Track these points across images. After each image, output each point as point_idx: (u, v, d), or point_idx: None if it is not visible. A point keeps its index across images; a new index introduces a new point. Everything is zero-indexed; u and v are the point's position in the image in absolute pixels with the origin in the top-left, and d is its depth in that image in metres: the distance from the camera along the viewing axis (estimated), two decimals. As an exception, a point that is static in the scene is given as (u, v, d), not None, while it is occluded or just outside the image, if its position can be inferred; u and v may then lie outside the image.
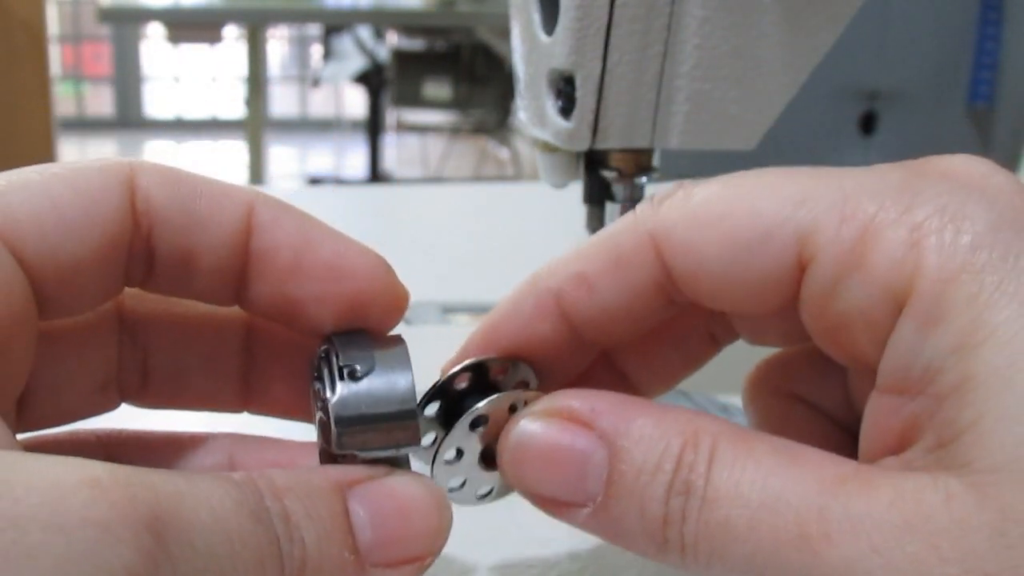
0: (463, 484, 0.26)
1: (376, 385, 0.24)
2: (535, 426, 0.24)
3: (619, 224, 0.25)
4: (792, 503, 0.21)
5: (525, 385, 0.26)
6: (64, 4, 5.27)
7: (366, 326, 0.26)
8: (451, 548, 0.32)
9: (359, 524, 0.23)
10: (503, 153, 4.29)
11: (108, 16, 2.80)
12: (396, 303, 0.26)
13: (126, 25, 2.89)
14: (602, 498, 0.23)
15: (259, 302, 0.26)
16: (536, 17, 0.39)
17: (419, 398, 0.25)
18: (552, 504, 0.24)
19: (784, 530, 0.21)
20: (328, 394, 0.24)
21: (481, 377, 0.26)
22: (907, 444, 0.22)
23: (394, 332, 0.26)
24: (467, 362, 0.26)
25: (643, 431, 0.23)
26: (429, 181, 4.09)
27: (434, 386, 0.25)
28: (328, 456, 0.25)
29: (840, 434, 0.28)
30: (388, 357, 0.25)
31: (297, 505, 0.22)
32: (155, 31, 5.25)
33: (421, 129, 4.77)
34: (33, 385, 0.25)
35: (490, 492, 0.27)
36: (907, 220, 0.22)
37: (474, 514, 0.34)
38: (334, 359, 0.24)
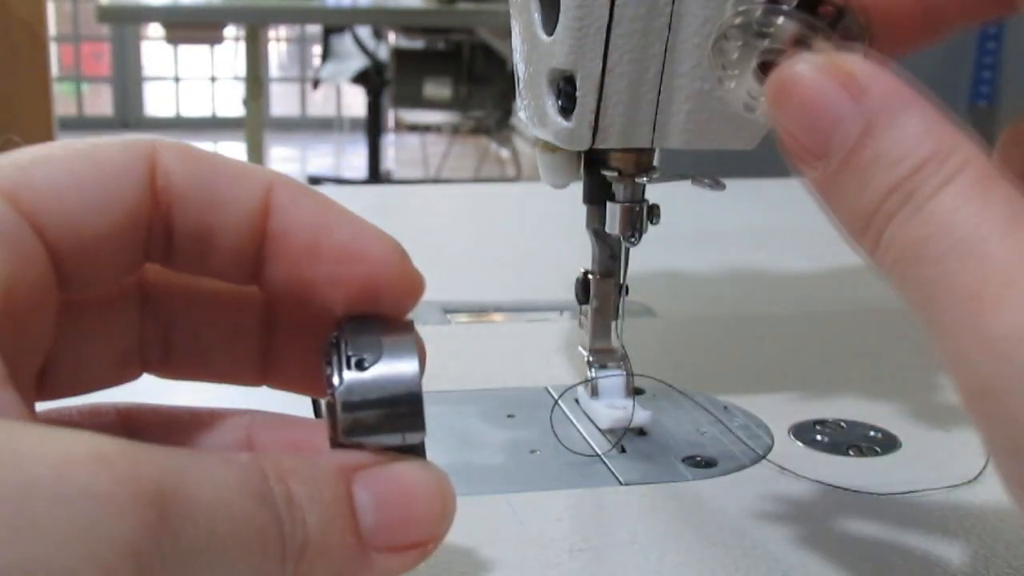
0: (735, 84, 0.27)
1: (382, 374, 0.24)
2: (808, 71, 0.23)
3: None
4: (989, 257, 0.21)
5: (851, 36, 0.26)
6: (64, 4, 5.27)
7: (379, 311, 0.26)
8: (451, 548, 0.32)
9: (362, 508, 0.23)
10: (503, 153, 4.29)
11: (108, 16, 2.80)
12: (410, 289, 0.26)
13: (126, 25, 2.89)
14: (836, 164, 0.23)
15: (275, 282, 0.26)
16: (536, 17, 0.39)
17: None
18: (795, 144, 0.24)
19: (967, 277, 0.21)
20: (335, 381, 0.24)
21: (808, 5, 0.25)
22: None
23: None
24: None
25: (903, 125, 0.22)
26: (429, 181, 4.09)
27: None
28: (336, 443, 0.25)
29: None
30: (396, 346, 0.25)
31: (301, 488, 0.22)
32: (155, 31, 5.24)
33: (421, 129, 4.77)
34: (55, 356, 0.26)
35: (753, 102, 0.27)
36: None
37: (474, 514, 0.34)
38: (343, 347, 0.24)
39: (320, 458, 0.23)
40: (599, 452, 0.40)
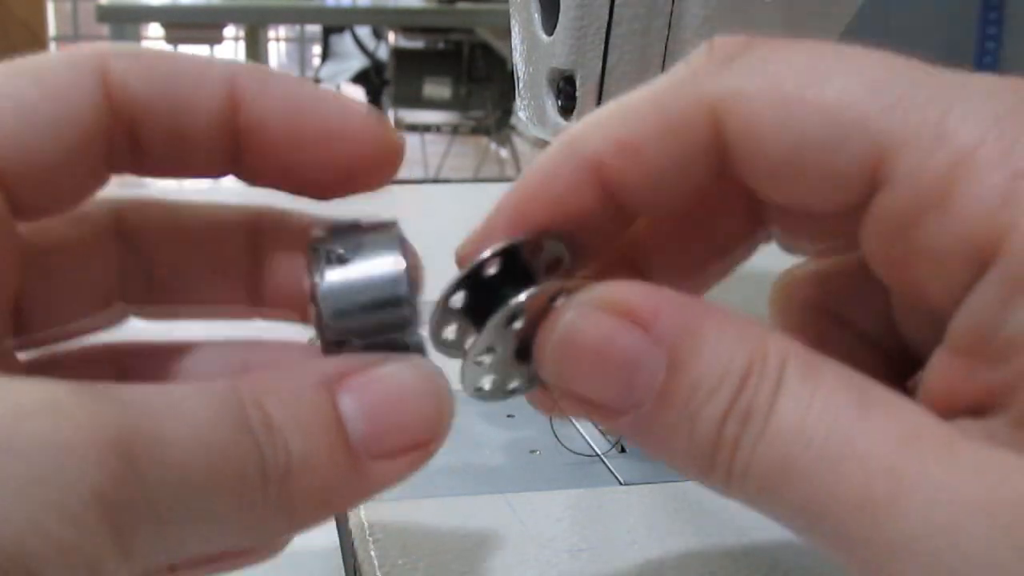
0: (493, 380, 0.24)
1: (364, 269, 0.23)
2: (586, 320, 0.21)
3: (671, 81, 0.22)
4: (860, 455, 0.18)
5: (558, 263, 0.24)
6: (64, 4, 5.27)
7: (363, 184, 0.25)
8: (451, 548, 0.32)
9: (351, 418, 0.22)
10: (503, 153, 4.29)
11: (107, 16, 2.79)
12: (394, 156, 0.25)
13: (125, 25, 2.89)
14: (650, 408, 0.20)
15: (256, 174, 0.25)
16: (536, 16, 0.39)
17: (444, 289, 0.23)
18: (592, 408, 0.21)
19: (847, 485, 0.18)
20: (316, 280, 0.23)
21: (511, 260, 0.24)
22: (985, 409, 0.20)
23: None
24: (499, 246, 0.23)
25: (708, 341, 0.20)
26: (429, 181, 4.08)
27: (461, 274, 0.23)
28: (328, 350, 0.23)
29: (877, 356, 0.26)
30: (377, 240, 0.23)
31: (280, 409, 0.21)
32: (155, 31, 5.24)
33: (421, 129, 4.77)
34: (32, 301, 0.25)
35: (519, 386, 0.25)
36: (1010, 164, 0.19)
37: (474, 514, 0.34)
38: (321, 248, 0.23)
39: (300, 372, 0.22)
40: (599, 452, 0.40)
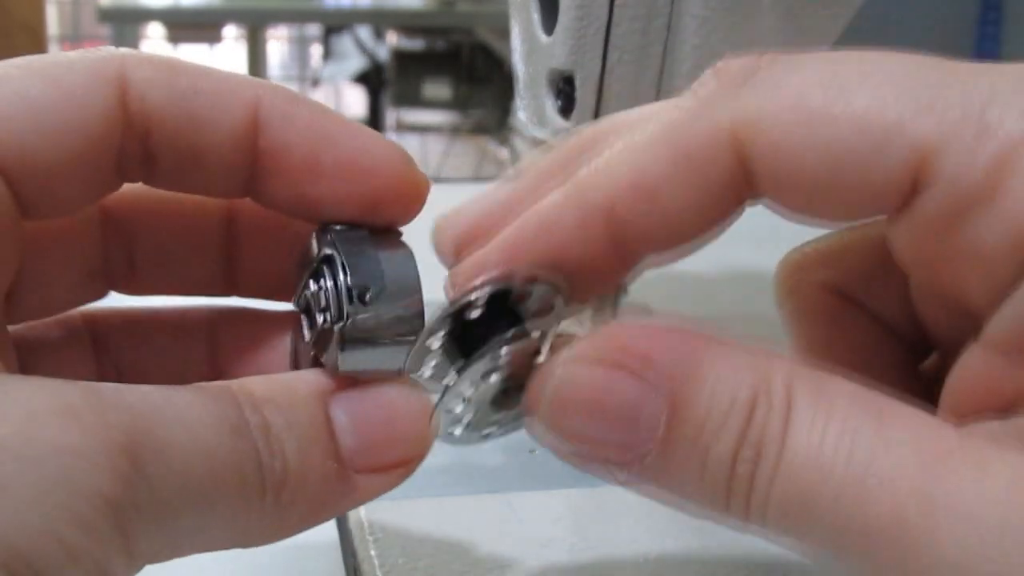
0: (468, 425, 0.24)
1: (386, 311, 0.23)
2: (578, 376, 0.20)
3: (681, 113, 0.20)
4: (886, 479, 0.18)
5: (550, 307, 0.23)
6: (64, 4, 5.27)
7: (384, 221, 0.25)
8: (451, 547, 0.32)
9: (342, 430, 0.22)
10: (503, 153, 4.29)
11: (108, 16, 2.79)
12: (417, 196, 0.25)
13: (126, 25, 2.89)
14: (656, 455, 0.20)
15: (274, 199, 0.25)
16: (536, 17, 0.39)
17: (428, 324, 0.22)
18: (596, 463, 0.20)
19: (876, 512, 0.18)
20: (332, 311, 0.23)
21: (500, 298, 0.23)
22: (1017, 407, 0.19)
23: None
24: (487, 288, 0.22)
25: (706, 378, 0.19)
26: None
27: (445, 312, 0.22)
28: (319, 362, 0.24)
29: (892, 338, 0.25)
30: (398, 275, 0.23)
31: (277, 416, 0.22)
32: (155, 31, 5.25)
33: (421, 129, 4.76)
34: (20, 280, 0.25)
35: (495, 433, 0.24)
36: None
37: (474, 514, 0.34)
38: (340, 275, 0.23)
39: (294, 381, 0.23)
40: (599, 452, 0.40)
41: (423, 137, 4.78)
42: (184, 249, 0.27)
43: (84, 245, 0.26)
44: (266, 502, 0.21)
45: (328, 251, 0.23)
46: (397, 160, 0.24)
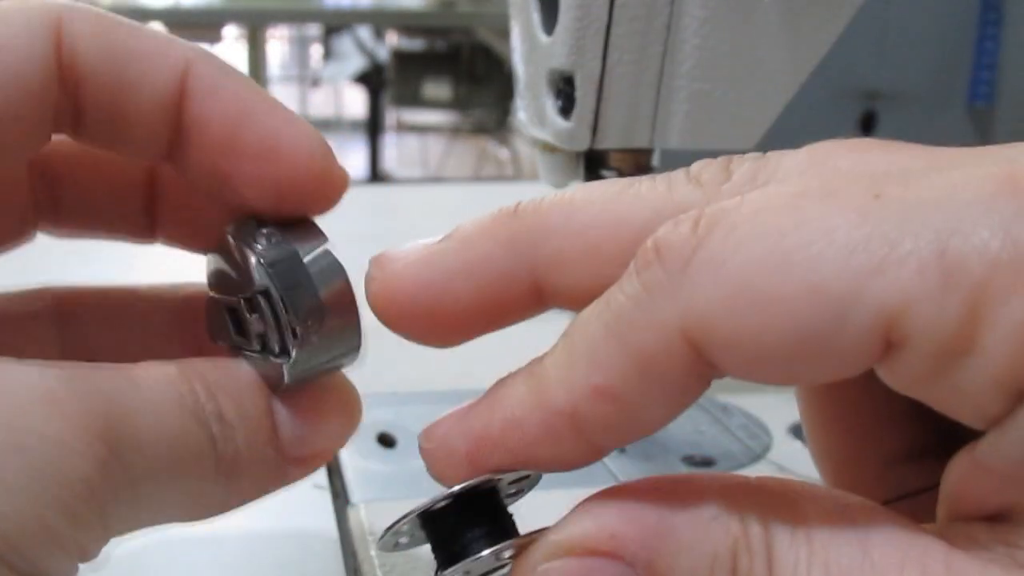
0: None
1: (327, 340, 0.24)
2: (555, 568, 0.20)
3: (633, 308, 0.19)
4: None
5: (520, 488, 0.23)
6: (64, 4, 5.26)
7: (297, 210, 0.24)
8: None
9: (282, 423, 0.24)
10: (503, 153, 4.29)
11: (108, 16, 2.79)
12: (332, 190, 0.24)
13: (126, 25, 2.90)
14: None
15: (191, 170, 0.24)
16: (536, 17, 0.39)
17: (396, 520, 0.22)
18: None
19: None
20: (272, 344, 0.24)
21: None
22: (1006, 517, 0.18)
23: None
24: (454, 491, 0.22)
25: (681, 543, 0.19)
26: (429, 181, 4.09)
27: (413, 513, 0.22)
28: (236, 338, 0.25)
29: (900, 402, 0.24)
30: (336, 298, 0.24)
31: (229, 404, 0.23)
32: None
33: (421, 129, 4.77)
34: None
35: None
36: None
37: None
38: (281, 308, 0.23)
39: (241, 371, 0.24)
40: (599, 452, 0.40)
41: (423, 137, 4.78)
42: (106, 195, 0.27)
43: (16, 191, 0.26)
44: (217, 482, 0.23)
45: (264, 284, 0.24)
46: (315, 149, 0.24)
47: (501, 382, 0.22)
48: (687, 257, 0.19)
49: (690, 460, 0.40)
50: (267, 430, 0.23)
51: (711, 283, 0.18)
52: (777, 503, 0.19)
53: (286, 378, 0.24)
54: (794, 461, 0.39)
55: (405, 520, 0.22)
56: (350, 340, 0.24)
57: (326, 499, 0.40)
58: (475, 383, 0.48)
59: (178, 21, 3.18)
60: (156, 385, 0.22)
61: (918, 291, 0.17)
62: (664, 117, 0.38)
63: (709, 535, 0.19)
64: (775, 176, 0.21)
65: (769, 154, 0.22)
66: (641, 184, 0.22)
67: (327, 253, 0.24)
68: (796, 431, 0.43)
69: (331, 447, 0.25)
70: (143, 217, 0.28)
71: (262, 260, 0.24)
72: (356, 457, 0.42)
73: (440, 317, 0.23)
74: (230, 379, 0.23)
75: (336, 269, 0.24)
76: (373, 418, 0.45)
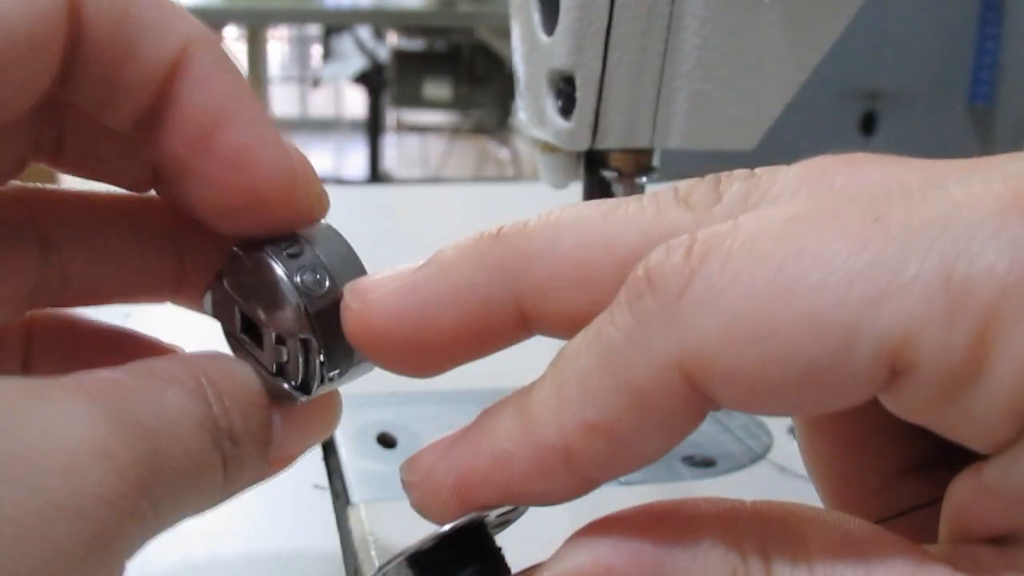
0: None
1: (349, 379, 0.25)
2: None
3: (626, 341, 0.18)
4: None
5: (507, 519, 0.23)
6: (64, 4, 5.26)
7: (255, 223, 0.24)
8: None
9: (275, 432, 0.24)
10: (503, 153, 4.29)
11: (108, 16, 2.79)
12: (296, 211, 0.24)
13: (126, 25, 2.89)
14: None
15: (161, 153, 0.24)
16: (536, 17, 0.39)
17: (385, 562, 0.22)
18: None
19: None
20: (294, 379, 0.24)
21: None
22: (1013, 540, 0.18)
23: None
24: (443, 531, 0.21)
25: (679, 575, 0.18)
26: (429, 181, 4.09)
27: (401, 556, 0.22)
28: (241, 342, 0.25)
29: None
30: (364, 362, 0.25)
31: (240, 421, 0.23)
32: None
33: (421, 129, 4.77)
34: None
35: None
36: None
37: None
38: (316, 359, 0.24)
39: (253, 384, 0.24)
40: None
41: (423, 137, 4.78)
42: (112, 147, 0.26)
43: (15, 133, 0.25)
44: (216, 495, 0.23)
45: (307, 336, 0.24)
46: (285, 167, 0.24)
47: (487, 413, 0.21)
48: (681, 287, 0.18)
49: (690, 460, 0.40)
50: (266, 443, 0.24)
51: (708, 315, 0.18)
52: (777, 531, 0.18)
53: (296, 404, 0.25)
54: (794, 461, 0.39)
55: (393, 563, 0.21)
56: (367, 371, 0.25)
57: (326, 499, 0.40)
58: (475, 383, 0.49)
59: (178, 21, 3.18)
60: (181, 413, 0.22)
61: (924, 318, 0.16)
62: (664, 117, 0.38)
63: (708, 567, 0.18)
64: (767, 196, 0.20)
65: (759, 171, 0.21)
66: (628, 205, 0.21)
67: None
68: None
69: (302, 451, 0.25)
70: (145, 170, 0.27)
71: (308, 308, 0.24)
72: (356, 457, 0.42)
73: (420, 347, 0.22)
74: (243, 395, 0.23)
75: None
76: (373, 418, 0.45)
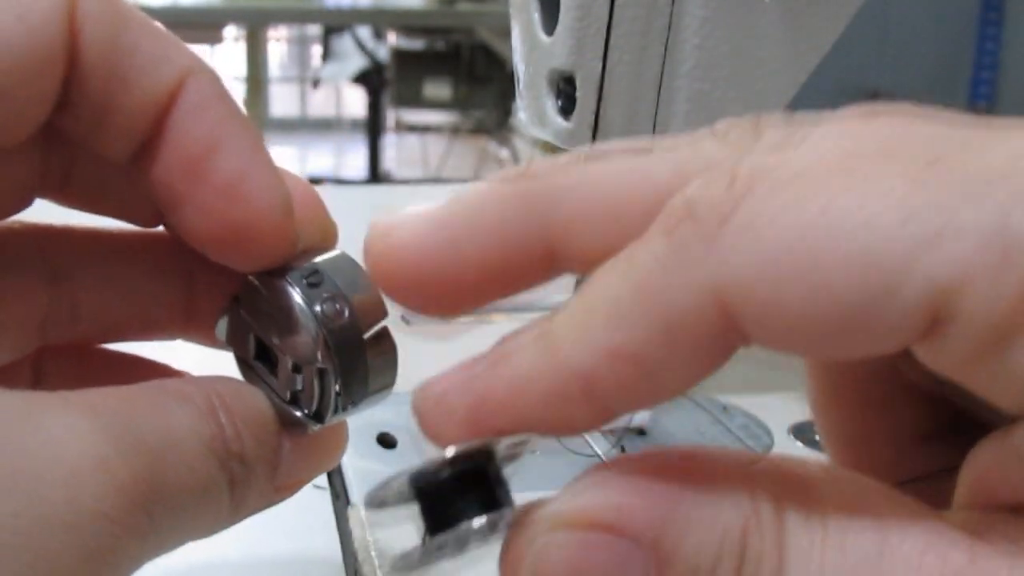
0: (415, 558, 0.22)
1: (363, 409, 0.25)
2: (554, 545, 0.18)
3: (661, 268, 0.18)
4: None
5: (516, 452, 0.22)
6: (64, 4, 5.26)
7: (239, 256, 0.24)
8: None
9: (284, 458, 0.24)
10: (503, 153, 4.29)
11: (108, 16, 2.79)
12: (282, 247, 0.24)
13: (126, 25, 2.90)
14: None
15: (158, 182, 0.24)
16: (536, 17, 0.39)
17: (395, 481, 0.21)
18: None
19: None
20: (308, 407, 0.24)
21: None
22: None
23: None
24: (449, 454, 0.20)
25: (690, 519, 0.18)
26: (429, 181, 4.09)
27: (404, 473, 0.21)
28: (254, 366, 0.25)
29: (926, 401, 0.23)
30: (380, 379, 0.25)
31: (252, 445, 0.23)
32: (155, 31, 5.23)
33: (421, 129, 4.77)
34: None
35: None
36: None
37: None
38: (332, 390, 0.24)
39: (264, 407, 0.24)
40: (599, 452, 0.40)
41: (423, 137, 4.78)
42: (118, 180, 0.26)
43: (17, 160, 0.25)
44: (223, 519, 0.23)
45: (325, 366, 0.24)
46: (276, 202, 0.24)
47: (506, 340, 0.20)
48: (723, 216, 0.17)
49: (690, 460, 0.40)
50: (274, 468, 0.24)
51: (750, 247, 0.17)
52: (793, 484, 0.18)
53: (307, 433, 0.25)
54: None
55: (395, 479, 0.20)
56: (380, 401, 0.25)
57: (326, 499, 0.40)
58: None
59: (178, 21, 3.18)
60: (188, 432, 0.22)
61: (975, 266, 0.16)
62: (664, 117, 0.38)
63: (719, 513, 0.18)
64: (810, 138, 0.19)
65: (800, 116, 0.20)
66: (663, 143, 0.20)
67: (385, 331, 0.25)
68: (797, 431, 0.43)
69: (310, 478, 0.26)
70: (152, 205, 0.26)
71: (327, 338, 0.24)
72: (356, 457, 0.42)
73: (446, 286, 0.21)
74: (256, 419, 0.23)
75: (390, 348, 0.25)
76: (373, 418, 0.45)
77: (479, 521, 0.20)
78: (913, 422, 0.22)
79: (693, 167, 0.19)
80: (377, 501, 0.21)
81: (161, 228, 0.27)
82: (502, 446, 0.21)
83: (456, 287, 0.21)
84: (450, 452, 0.20)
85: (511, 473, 0.21)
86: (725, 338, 0.18)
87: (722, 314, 0.17)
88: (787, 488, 0.18)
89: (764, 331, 0.17)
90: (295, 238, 0.24)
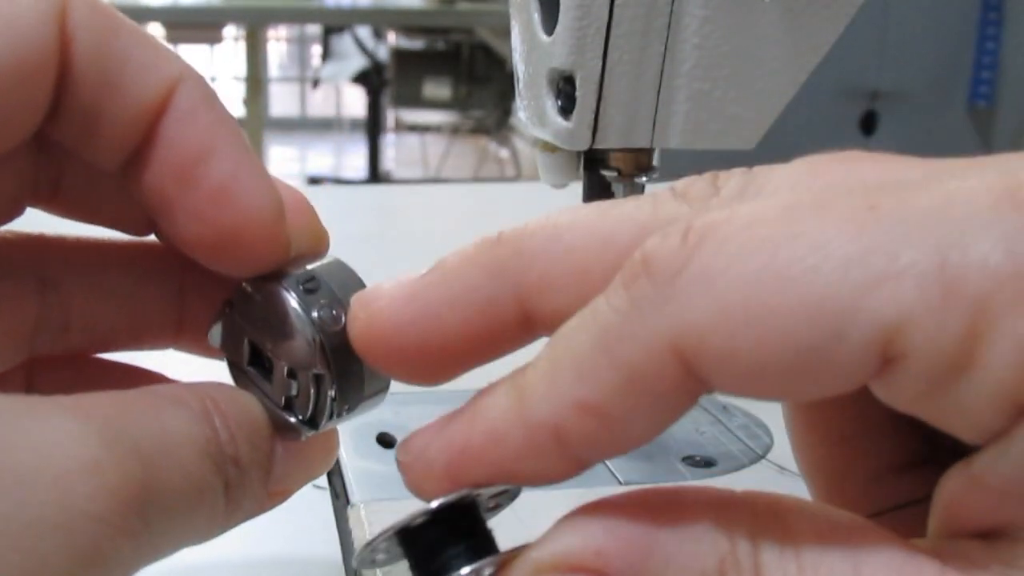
0: None
1: (356, 415, 0.25)
2: None
3: (621, 321, 0.19)
4: None
5: (499, 502, 0.23)
6: (64, 4, 5.26)
7: (230, 261, 0.24)
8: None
9: (277, 461, 0.24)
10: (503, 153, 4.29)
11: (108, 16, 2.79)
12: (273, 252, 0.24)
13: (126, 25, 2.90)
14: None
15: (148, 189, 0.24)
16: (536, 17, 0.39)
17: (370, 539, 0.22)
18: None
19: None
20: (302, 413, 0.24)
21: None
22: (1002, 535, 0.18)
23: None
24: (432, 507, 0.21)
25: (668, 559, 0.18)
26: (429, 181, 4.09)
27: (390, 530, 0.21)
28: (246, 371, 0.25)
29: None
30: (375, 384, 0.25)
31: (246, 449, 0.23)
32: (155, 31, 5.24)
33: (421, 129, 4.77)
34: None
35: None
36: None
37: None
38: (327, 394, 0.24)
39: (258, 414, 0.24)
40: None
41: (423, 137, 4.78)
42: (111, 189, 0.26)
43: (7, 169, 0.25)
44: (217, 524, 0.23)
45: (321, 372, 0.24)
46: (267, 208, 0.24)
47: (482, 393, 0.21)
48: (677, 270, 0.18)
49: (690, 460, 0.40)
50: (268, 472, 0.24)
51: (703, 298, 0.18)
52: (766, 519, 0.18)
53: (300, 438, 0.25)
54: (794, 462, 0.39)
55: (382, 537, 0.21)
56: (373, 407, 0.25)
57: (326, 499, 0.40)
58: (475, 383, 0.48)
59: (177, 20, 3.18)
60: (183, 435, 0.22)
61: (917, 306, 0.16)
62: (664, 117, 0.38)
63: (697, 552, 0.18)
64: (764, 190, 0.20)
65: (757, 169, 0.21)
66: (626, 204, 0.21)
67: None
68: (796, 431, 0.43)
69: (306, 483, 0.25)
70: (143, 213, 0.27)
71: (324, 343, 0.24)
72: (356, 457, 0.42)
73: (427, 354, 0.22)
74: (250, 423, 0.23)
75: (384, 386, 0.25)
76: (373, 418, 0.45)
77: (465, 570, 0.20)
78: (889, 454, 0.23)
79: (654, 226, 0.20)
80: (368, 560, 0.22)
81: (152, 237, 0.27)
82: (484, 496, 0.21)
83: (438, 356, 0.22)
84: (434, 504, 0.21)
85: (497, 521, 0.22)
86: (686, 386, 0.18)
87: (681, 363, 0.18)
88: (762, 523, 0.18)
89: (722, 378, 0.18)
90: (288, 242, 0.24)
